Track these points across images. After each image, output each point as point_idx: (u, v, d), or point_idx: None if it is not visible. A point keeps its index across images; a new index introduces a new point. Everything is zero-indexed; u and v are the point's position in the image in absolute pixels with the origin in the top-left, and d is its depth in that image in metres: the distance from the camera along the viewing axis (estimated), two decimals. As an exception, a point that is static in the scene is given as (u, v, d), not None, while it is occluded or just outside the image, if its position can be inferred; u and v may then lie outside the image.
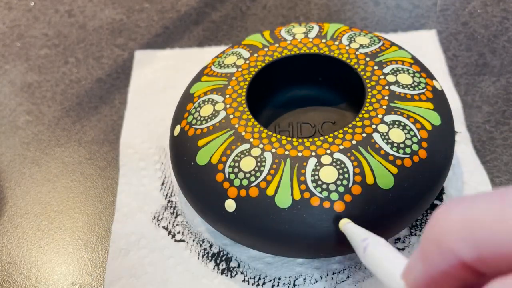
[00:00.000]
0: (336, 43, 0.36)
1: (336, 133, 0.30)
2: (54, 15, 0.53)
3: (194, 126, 0.33)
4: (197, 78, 0.36)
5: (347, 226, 0.27)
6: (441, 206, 0.16)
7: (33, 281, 0.35)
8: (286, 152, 0.30)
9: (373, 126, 0.30)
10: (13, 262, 0.36)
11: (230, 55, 0.37)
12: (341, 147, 0.30)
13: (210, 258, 0.34)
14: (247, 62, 0.36)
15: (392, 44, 0.36)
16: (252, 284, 0.33)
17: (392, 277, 0.20)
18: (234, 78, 0.35)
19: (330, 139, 0.30)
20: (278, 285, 0.33)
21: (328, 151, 0.29)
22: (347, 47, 0.35)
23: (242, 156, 0.30)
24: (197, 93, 0.35)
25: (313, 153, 0.30)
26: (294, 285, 0.33)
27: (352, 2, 0.50)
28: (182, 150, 0.32)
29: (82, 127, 0.43)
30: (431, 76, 0.34)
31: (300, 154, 0.30)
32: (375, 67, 0.34)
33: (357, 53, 0.35)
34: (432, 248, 0.16)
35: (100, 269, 0.35)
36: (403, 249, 0.33)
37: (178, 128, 0.34)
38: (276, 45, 0.36)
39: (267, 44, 0.37)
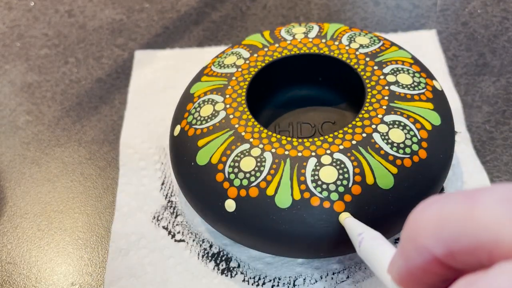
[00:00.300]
0: (336, 43, 0.36)
1: (336, 133, 0.30)
2: (54, 15, 0.53)
3: (194, 126, 0.32)
4: (197, 78, 0.36)
5: (346, 220, 0.27)
6: (418, 205, 0.17)
7: (33, 281, 0.35)
8: (286, 152, 0.30)
9: (373, 126, 0.30)
10: (13, 262, 0.36)
11: (230, 55, 0.37)
12: (341, 147, 0.30)
13: (210, 258, 0.34)
14: (247, 62, 0.36)
15: (392, 44, 0.36)
16: (252, 284, 0.33)
17: (383, 270, 0.20)
18: (234, 78, 0.35)
19: (330, 139, 0.30)
20: (278, 285, 0.33)
21: (328, 151, 0.29)
22: (347, 47, 0.35)
23: (242, 156, 0.30)
24: (197, 93, 0.35)
25: (313, 153, 0.29)
26: (294, 285, 0.33)
27: (352, 2, 0.50)
28: (182, 150, 0.32)
29: (82, 127, 0.43)
30: (431, 76, 0.34)
31: (300, 154, 0.30)
32: (375, 67, 0.34)
33: (357, 53, 0.35)
34: (409, 245, 0.17)
35: (100, 269, 0.35)
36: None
37: (178, 128, 0.34)
38: (276, 45, 0.36)
39: (267, 44, 0.37)
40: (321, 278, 0.33)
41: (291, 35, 0.37)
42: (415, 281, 0.17)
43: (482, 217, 0.15)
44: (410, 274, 0.17)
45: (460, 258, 0.15)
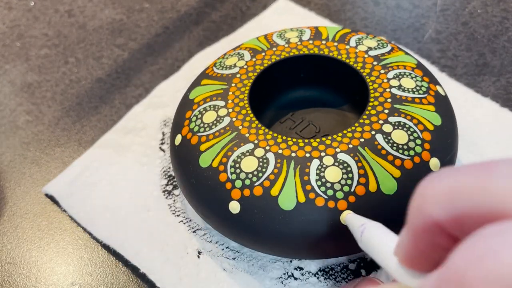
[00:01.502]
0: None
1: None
2: (54, 15, 0.53)
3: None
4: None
5: (348, 216, 0.27)
6: (427, 177, 0.16)
7: (33, 281, 0.35)
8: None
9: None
10: (13, 262, 0.36)
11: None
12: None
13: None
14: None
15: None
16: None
17: (387, 256, 0.20)
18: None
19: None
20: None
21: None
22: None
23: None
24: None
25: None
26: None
27: (352, 2, 0.50)
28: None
29: (82, 127, 0.43)
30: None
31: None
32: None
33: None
34: (417, 217, 0.16)
35: (100, 269, 0.35)
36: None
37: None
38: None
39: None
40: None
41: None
42: (423, 258, 0.17)
43: (496, 187, 0.14)
44: (417, 250, 0.17)
45: (469, 229, 0.15)
